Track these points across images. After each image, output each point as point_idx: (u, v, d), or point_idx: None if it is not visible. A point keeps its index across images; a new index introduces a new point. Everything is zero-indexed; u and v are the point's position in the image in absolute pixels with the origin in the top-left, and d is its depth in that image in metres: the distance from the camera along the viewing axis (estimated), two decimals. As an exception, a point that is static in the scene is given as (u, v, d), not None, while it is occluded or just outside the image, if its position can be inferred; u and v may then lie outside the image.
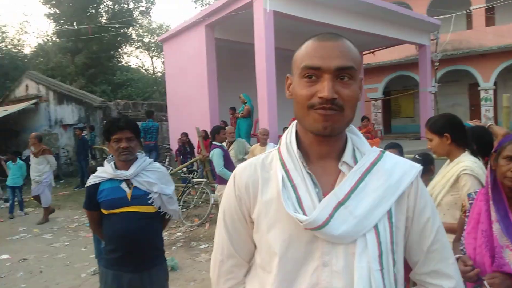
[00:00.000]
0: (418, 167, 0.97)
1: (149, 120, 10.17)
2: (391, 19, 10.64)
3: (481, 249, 1.54)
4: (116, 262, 2.21)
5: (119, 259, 2.20)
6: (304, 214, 0.89)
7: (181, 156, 9.66)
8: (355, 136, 1.01)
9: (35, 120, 14.85)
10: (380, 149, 1.00)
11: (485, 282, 1.44)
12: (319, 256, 0.90)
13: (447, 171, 2.20)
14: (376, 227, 0.89)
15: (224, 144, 5.87)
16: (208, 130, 8.57)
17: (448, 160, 2.29)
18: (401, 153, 3.35)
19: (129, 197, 2.21)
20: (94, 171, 4.19)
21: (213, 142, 5.56)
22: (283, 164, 0.97)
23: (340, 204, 0.89)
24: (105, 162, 2.32)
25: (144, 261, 2.24)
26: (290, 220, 0.91)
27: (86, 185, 2.34)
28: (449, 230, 2.05)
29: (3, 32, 22.55)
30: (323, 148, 0.96)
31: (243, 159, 6.37)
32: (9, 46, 22.62)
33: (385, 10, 10.09)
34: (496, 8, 15.11)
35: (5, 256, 5.42)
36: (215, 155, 5.31)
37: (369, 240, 0.88)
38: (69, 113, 13.94)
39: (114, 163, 2.28)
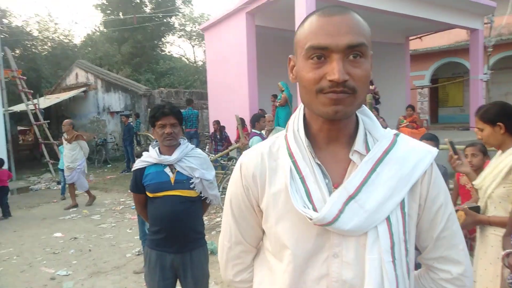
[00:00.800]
0: (434, 151, 0.91)
1: (189, 108, 10.40)
2: (441, 2, 10.07)
3: None
4: (160, 243, 2.31)
5: (162, 240, 2.30)
6: (314, 207, 0.86)
7: (213, 143, 9.81)
8: (367, 118, 0.94)
9: (85, 107, 15.64)
10: (394, 132, 0.93)
11: None
12: (329, 247, 0.88)
13: (499, 162, 2.08)
14: (388, 218, 0.85)
15: (264, 132, 5.88)
16: (247, 118, 8.62)
17: (500, 151, 2.16)
18: (437, 146, 3.20)
19: (172, 181, 2.30)
20: (139, 156, 4.40)
21: (253, 130, 5.59)
22: (291, 154, 0.92)
23: (351, 198, 0.85)
24: (150, 147, 2.40)
25: (186, 243, 2.32)
26: (298, 213, 0.87)
27: (132, 169, 2.45)
28: (501, 224, 1.95)
29: (56, 24, 23.75)
30: (333, 133, 0.91)
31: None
32: (61, 37, 23.80)
33: (435, -7, 9.57)
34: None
35: (58, 234, 5.82)
36: (254, 143, 5.34)
37: (381, 232, 0.84)
38: (116, 101, 14.54)
39: (159, 149, 2.37)
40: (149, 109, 12.47)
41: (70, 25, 28.13)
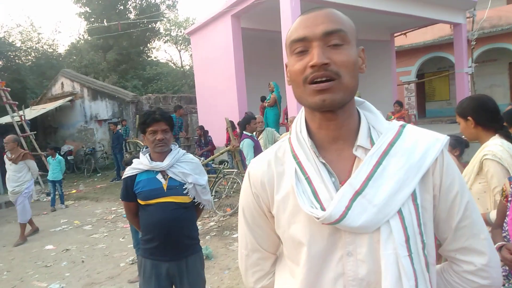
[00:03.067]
0: (444, 138, 0.88)
1: (173, 116, 10.37)
2: (424, -2, 10.19)
3: None
4: (154, 252, 2.26)
5: (156, 249, 2.25)
6: (322, 206, 0.85)
7: (199, 148, 9.78)
8: (369, 112, 0.93)
9: (72, 116, 15.44)
10: (400, 123, 0.92)
11: None
12: (342, 246, 0.87)
13: (475, 158, 2.09)
14: (400, 211, 0.83)
15: (254, 134, 5.86)
16: (237, 120, 8.60)
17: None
18: (461, 151, 3.08)
19: (165, 187, 2.26)
20: (128, 163, 4.35)
21: (244, 132, 5.56)
22: (295, 156, 0.92)
23: (357, 193, 0.83)
24: (141, 154, 2.36)
25: (181, 250, 2.28)
26: (308, 214, 0.87)
27: (123, 177, 2.39)
28: None
29: (39, 33, 23.43)
30: (332, 129, 0.89)
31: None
32: (44, 46, 23.51)
33: (417, -11, 9.68)
34: (539, -21, 14.15)
35: (50, 247, 5.71)
36: (245, 145, 5.32)
37: (394, 226, 0.82)
38: (103, 109, 14.39)
39: (149, 155, 2.33)
40: (137, 116, 12.37)
41: (54, 35, 27.89)
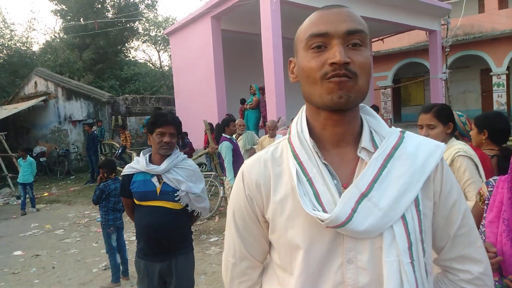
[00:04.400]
0: (443, 146, 0.89)
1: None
2: (400, 5, 10.41)
3: (502, 237, 1.49)
4: (146, 252, 2.34)
5: (147, 250, 2.33)
6: (324, 209, 0.81)
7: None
8: (370, 117, 0.92)
9: (45, 117, 14.98)
10: (400, 129, 0.91)
11: (509, 278, 1.40)
12: (342, 252, 0.83)
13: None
14: (403, 217, 0.81)
15: (234, 136, 5.81)
16: (216, 123, 8.53)
17: (444, 145, 2.29)
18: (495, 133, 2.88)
19: (158, 191, 2.29)
20: (103, 166, 4.23)
21: (223, 135, 5.50)
22: (296, 156, 0.88)
23: (363, 196, 0.81)
24: (141, 154, 2.39)
25: (170, 251, 2.33)
26: (309, 218, 0.83)
27: (121, 174, 2.45)
28: None
29: (11, 30, 22.68)
30: (338, 131, 0.87)
31: (252, 150, 6.32)
32: (18, 44, 22.75)
33: (394, -4, 9.87)
34: (509, -10, 14.71)
35: (18, 252, 5.48)
36: (224, 147, 5.26)
37: (397, 232, 0.80)
38: (78, 109, 14.02)
39: (149, 156, 2.36)
40: (113, 117, 12.12)
41: (28, 32, 27.04)
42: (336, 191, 0.83)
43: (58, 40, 24.72)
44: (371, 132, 0.89)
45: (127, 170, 2.38)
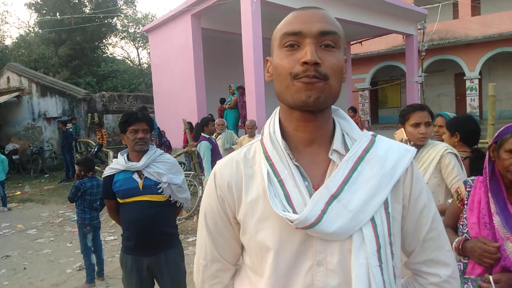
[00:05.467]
0: (413, 150, 0.90)
1: None
2: (379, 9, 10.61)
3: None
4: (133, 248, 2.37)
5: (135, 245, 2.36)
6: (294, 211, 0.81)
7: None
8: (343, 120, 0.93)
9: (18, 114, 14.51)
10: (372, 133, 0.92)
11: (490, 278, 1.43)
12: (312, 254, 0.83)
13: (426, 155, 2.29)
14: (372, 219, 0.81)
15: (213, 136, 5.79)
16: (195, 122, 8.48)
17: (414, 149, 2.39)
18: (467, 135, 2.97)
19: (140, 187, 2.36)
20: (81, 163, 4.14)
21: (202, 134, 5.47)
22: (268, 158, 0.88)
23: (333, 197, 0.81)
24: (119, 154, 2.45)
25: (158, 245, 2.38)
26: (279, 219, 0.83)
27: (102, 176, 2.50)
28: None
29: (-18, 23, 21.85)
30: (309, 131, 0.87)
31: (230, 149, 6.31)
32: (-11, 37, 21.95)
33: (373, 0, 10.04)
34: (482, -3, 15.23)
35: (-13, 253, 5.29)
36: (202, 147, 5.23)
37: (366, 234, 0.80)
38: (53, 106, 13.65)
39: (127, 155, 2.42)
40: (89, 114, 11.87)
41: (0, 25, 26.11)
42: (306, 193, 0.83)
43: (33, 34, 24.00)
44: (343, 135, 0.89)
45: (107, 171, 2.43)
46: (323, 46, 0.81)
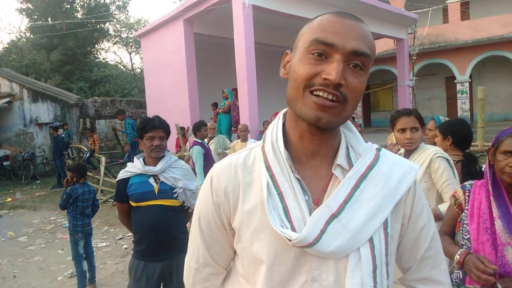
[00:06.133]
0: (417, 168, 0.88)
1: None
2: (370, 14, 10.71)
3: (486, 246, 1.50)
4: (145, 253, 2.38)
5: (147, 249, 2.37)
6: (292, 226, 0.79)
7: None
8: (349, 132, 0.89)
9: (9, 119, 14.38)
10: (376, 147, 0.89)
11: (498, 284, 1.40)
12: (307, 270, 0.81)
13: (416, 160, 2.30)
14: (371, 239, 0.79)
15: (206, 141, 5.79)
16: (188, 126, 8.46)
17: (403, 152, 2.43)
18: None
19: (156, 191, 2.38)
20: (72, 169, 4.11)
21: (194, 139, 5.46)
22: (268, 168, 0.84)
23: (333, 216, 0.78)
24: (135, 158, 2.48)
25: (170, 250, 2.39)
26: (275, 233, 0.80)
27: (117, 179, 2.50)
28: None
29: (-27, 28, 21.64)
30: (315, 144, 0.84)
31: (223, 154, 6.31)
32: (-21, 43, 21.76)
33: (364, 5, 10.14)
34: (471, 2, 15.44)
35: (-23, 261, 5.22)
36: (195, 152, 5.22)
37: (363, 255, 0.79)
38: (44, 112, 13.55)
39: (143, 160, 2.45)
40: (81, 120, 11.80)
41: (-9, 30, 25.93)
42: (306, 208, 0.80)
43: (24, 40, 23.84)
44: (347, 148, 0.86)
45: (122, 174, 2.44)
46: (351, 65, 0.76)
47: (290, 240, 0.77)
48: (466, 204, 1.64)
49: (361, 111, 18.33)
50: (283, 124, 0.90)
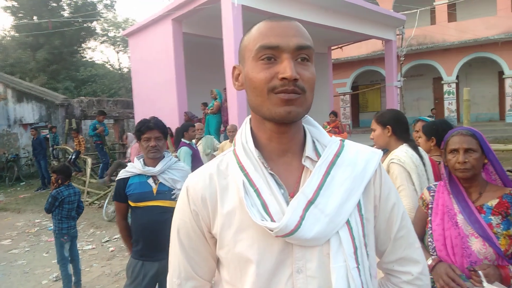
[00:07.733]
0: (380, 152, 0.93)
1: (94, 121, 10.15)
2: (359, 15, 10.75)
3: (457, 240, 1.60)
4: (143, 253, 2.41)
5: (144, 250, 2.41)
6: (272, 219, 0.81)
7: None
8: (312, 127, 0.94)
9: (-8, 119, 14.08)
10: (340, 138, 0.95)
11: (480, 273, 1.47)
12: (291, 262, 0.82)
13: (383, 163, 2.30)
14: (348, 222, 0.83)
15: (193, 141, 5.72)
16: (176, 126, 8.37)
17: (380, 151, 2.42)
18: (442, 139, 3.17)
19: (154, 191, 2.41)
20: (57, 171, 4.01)
21: (182, 140, 5.40)
22: (242, 168, 0.87)
23: (310, 203, 0.82)
24: (135, 158, 2.51)
25: (167, 251, 2.30)
26: (257, 229, 0.82)
27: (116, 179, 2.53)
28: None
29: (-45, 26, 21.19)
30: (283, 142, 0.88)
31: (211, 155, 6.25)
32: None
33: (353, 6, 10.17)
34: (457, 4, 15.63)
35: (-42, 266, 5.07)
36: (183, 153, 5.16)
37: (343, 237, 0.82)
38: (29, 112, 13.30)
39: (143, 160, 2.48)
40: (67, 120, 11.60)
41: (-26, 29, 25.19)
42: (283, 201, 0.83)
43: (9, 38, 23.41)
44: (313, 142, 0.91)
45: (122, 174, 2.46)
46: (299, 60, 0.83)
47: (272, 231, 0.79)
48: (431, 204, 1.77)
49: (350, 112, 18.44)
50: (251, 128, 0.93)
